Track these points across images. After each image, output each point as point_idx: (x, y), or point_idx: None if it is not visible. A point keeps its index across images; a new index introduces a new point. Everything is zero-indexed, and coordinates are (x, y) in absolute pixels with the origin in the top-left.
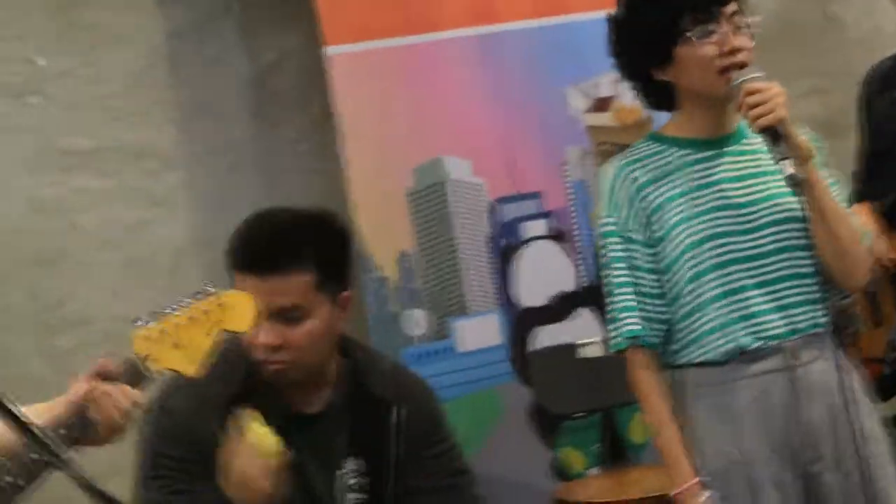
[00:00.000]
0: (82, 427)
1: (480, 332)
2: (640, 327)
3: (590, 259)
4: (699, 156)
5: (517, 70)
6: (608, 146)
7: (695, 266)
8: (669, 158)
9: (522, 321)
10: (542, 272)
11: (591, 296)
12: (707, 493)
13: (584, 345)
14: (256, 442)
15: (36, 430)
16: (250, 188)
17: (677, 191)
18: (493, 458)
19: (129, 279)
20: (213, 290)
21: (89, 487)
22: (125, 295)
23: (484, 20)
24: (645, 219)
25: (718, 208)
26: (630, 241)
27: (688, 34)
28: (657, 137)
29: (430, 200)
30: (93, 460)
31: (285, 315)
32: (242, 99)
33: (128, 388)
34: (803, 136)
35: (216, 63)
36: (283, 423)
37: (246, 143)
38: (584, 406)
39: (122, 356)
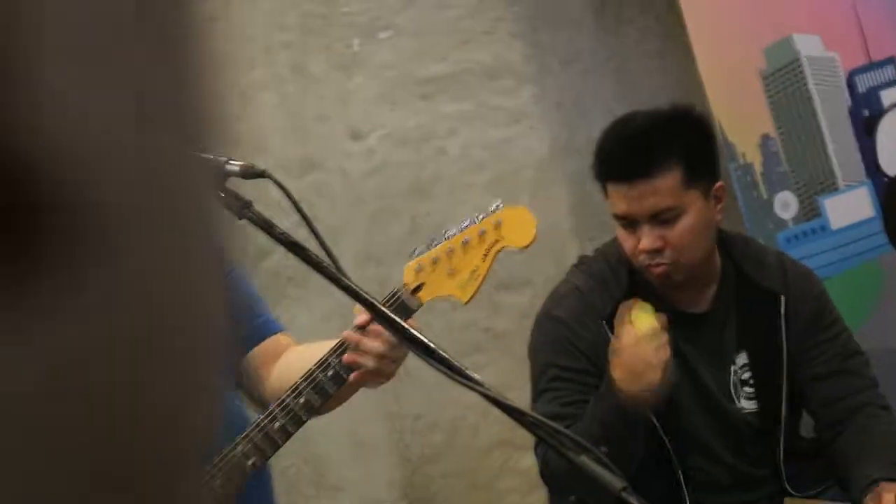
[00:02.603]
0: (347, 370)
1: (852, 206)
2: None
3: None
4: None
5: None
6: None
7: None
8: None
9: (893, 190)
10: None
11: None
12: None
13: None
14: (643, 328)
15: (442, 354)
16: (603, 93)
17: None
18: (880, 335)
19: (497, 198)
20: (492, 208)
21: (496, 401)
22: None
23: None
24: None
25: None
26: None
27: None
28: None
29: (785, 80)
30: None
31: (661, 217)
32: (585, 4)
33: (381, 330)
34: None
35: None
36: (672, 324)
37: (593, 49)
38: None
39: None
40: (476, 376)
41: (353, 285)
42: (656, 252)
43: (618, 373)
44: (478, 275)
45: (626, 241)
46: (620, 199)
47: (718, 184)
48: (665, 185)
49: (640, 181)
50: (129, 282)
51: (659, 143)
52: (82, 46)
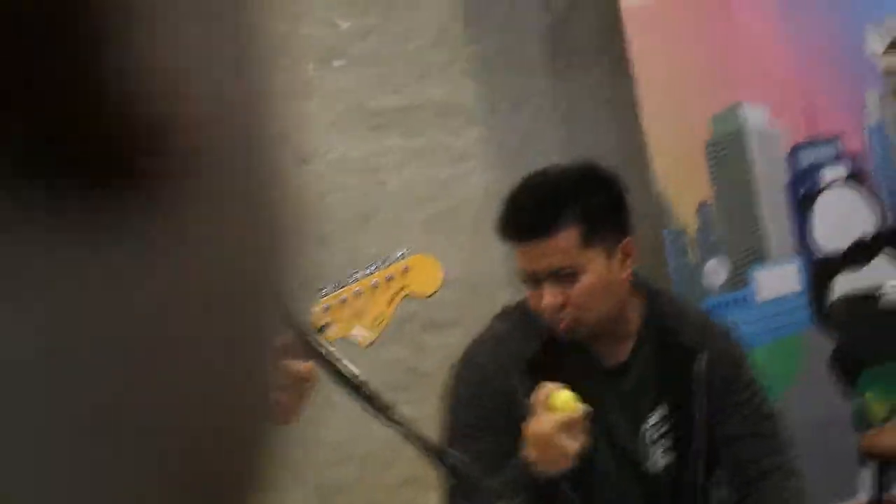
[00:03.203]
0: None
1: (780, 280)
2: None
3: (889, 202)
4: None
5: (813, 9)
6: None
7: None
8: None
9: (822, 268)
10: (842, 218)
11: (890, 240)
12: None
13: (888, 291)
14: (560, 406)
15: (365, 387)
16: (549, 140)
17: None
18: (795, 406)
19: (435, 237)
20: (399, 254)
21: (416, 437)
22: (430, 252)
23: None
24: None
25: None
26: None
27: None
28: None
29: (728, 149)
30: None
31: (559, 275)
32: (538, 50)
33: (290, 364)
34: None
35: (512, 15)
36: (587, 376)
37: (543, 95)
38: (887, 353)
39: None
40: (400, 414)
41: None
42: (558, 309)
43: (532, 452)
44: (382, 319)
45: (532, 298)
46: (521, 256)
47: (627, 239)
48: (561, 245)
49: (536, 240)
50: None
51: (556, 203)
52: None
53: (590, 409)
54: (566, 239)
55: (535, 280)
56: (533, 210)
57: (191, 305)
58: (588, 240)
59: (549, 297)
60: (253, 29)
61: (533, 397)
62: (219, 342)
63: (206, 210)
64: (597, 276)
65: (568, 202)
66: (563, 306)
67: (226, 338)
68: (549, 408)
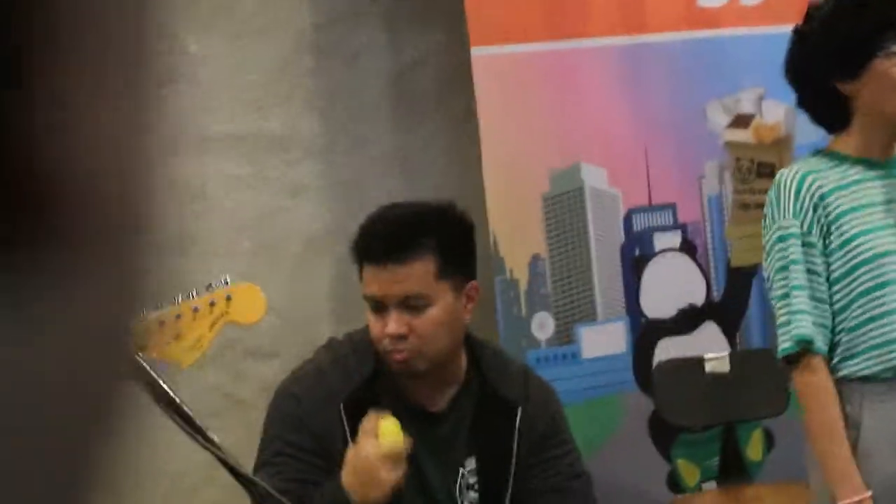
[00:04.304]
0: None
1: (606, 339)
2: (812, 331)
3: (720, 274)
4: (872, 174)
5: (660, 81)
6: (746, 163)
7: (868, 281)
8: (849, 172)
9: (648, 331)
10: (672, 284)
11: (718, 310)
12: None
13: (709, 359)
14: (385, 435)
15: (185, 409)
16: (387, 182)
17: (859, 203)
18: (609, 466)
19: (262, 267)
20: (223, 281)
21: (229, 467)
22: (254, 281)
23: (633, 30)
24: (826, 226)
25: (893, 225)
26: (810, 245)
27: (889, 49)
28: (828, 154)
29: (565, 206)
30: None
31: (409, 303)
32: (384, 93)
33: None
34: None
35: (359, 56)
36: (406, 420)
37: (385, 138)
38: (704, 420)
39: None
40: (216, 439)
41: None
42: (401, 338)
43: (349, 479)
44: (201, 343)
45: (374, 325)
46: (373, 280)
47: (473, 283)
48: (417, 272)
49: (394, 264)
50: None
51: (416, 231)
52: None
53: (411, 441)
54: (422, 267)
55: (382, 306)
56: (393, 234)
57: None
58: (442, 273)
59: (395, 324)
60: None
61: (364, 423)
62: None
63: (87, 285)
64: (445, 311)
65: (427, 232)
66: (406, 336)
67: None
68: (375, 436)
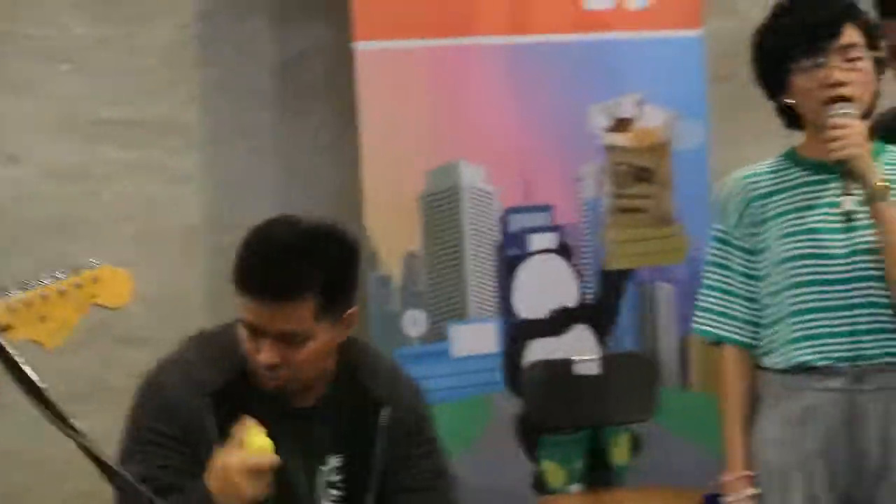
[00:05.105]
0: None
1: (477, 338)
2: (712, 327)
3: (594, 277)
4: (816, 177)
5: (543, 82)
6: (625, 167)
7: (779, 282)
8: (788, 176)
9: (519, 332)
10: (545, 285)
11: (590, 313)
12: (749, 491)
13: (579, 361)
14: (254, 446)
15: (47, 395)
16: (268, 175)
17: (785, 208)
18: (476, 465)
19: (140, 253)
20: (92, 264)
21: (91, 454)
22: (134, 269)
23: (519, 30)
24: (750, 229)
25: (811, 230)
26: (731, 246)
27: (797, 64)
28: (789, 155)
29: (442, 204)
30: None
31: (287, 339)
32: (269, 84)
33: None
34: (884, 174)
35: (246, 47)
36: (271, 415)
37: (268, 129)
38: (571, 422)
39: None
40: (78, 425)
41: None
42: (274, 367)
43: (213, 483)
44: (68, 325)
45: (248, 344)
46: (250, 311)
47: (352, 310)
48: (297, 314)
49: (274, 303)
50: None
51: (300, 271)
52: None
53: (278, 459)
54: (303, 308)
55: (258, 332)
56: (275, 271)
57: None
58: (323, 313)
59: (268, 355)
60: None
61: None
62: None
63: None
64: (322, 344)
65: (312, 271)
66: (279, 366)
67: None
68: (243, 445)
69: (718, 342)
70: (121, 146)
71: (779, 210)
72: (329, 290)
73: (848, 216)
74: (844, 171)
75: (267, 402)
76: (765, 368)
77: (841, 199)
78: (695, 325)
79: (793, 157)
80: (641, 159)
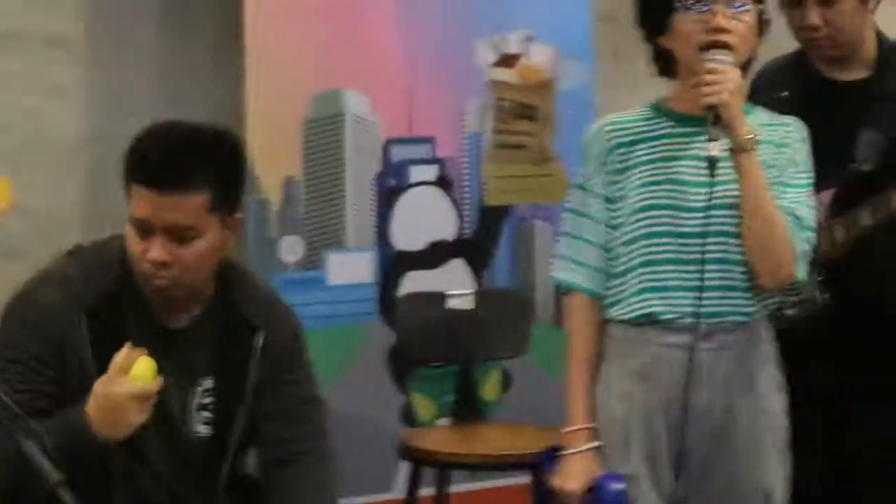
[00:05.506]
0: None
1: (353, 267)
2: (567, 274)
3: (473, 211)
4: (681, 129)
5: (433, 15)
6: (508, 103)
7: (633, 231)
8: (654, 126)
9: (396, 263)
10: (424, 218)
11: (467, 248)
12: (591, 444)
13: (453, 295)
14: (138, 374)
15: None
16: (151, 92)
17: (644, 158)
18: (346, 394)
19: (19, 165)
20: None
21: None
22: (12, 180)
23: None
24: (611, 177)
25: (672, 181)
26: (591, 193)
27: (679, 4)
28: (653, 106)
29: (324, 131)
30: None
31: (178, 233)
32: (155, 2)
33: None
34: (752, 129)
35: None
36: (146, 335)
37: (152, 46)
38: (443, 356)
39: None
40: None
41: None
42: (163, 265)
43: (95, 412)
44: None
45: (136, 246)
46: (144, 203)
47: (240, 215)
48: (192, 204)
49: (169, 192)
50: None
51: (196, 162)
52: None
53: (162, 383)
54: (197, 199)
55: (148, 229)
56: (173, 161)
57: None
58: (214, 207)
59: (159, 251)
60: None
61: (120, 354)
62: None
63: None
64: (210, 244)
65: (207, 162)
66: (169, 264)
67: None
68: (126, 372)
69: (568, 290)
70: (4, 57)
71: (641, 159)
72: (221, 187)
73: (712, 162)
74: (713, 118)
75: (143, 321)
76: (610, 320)
77: (706, 144)
78: (555, 272)
79: (659, 108)
80: (526, 96)
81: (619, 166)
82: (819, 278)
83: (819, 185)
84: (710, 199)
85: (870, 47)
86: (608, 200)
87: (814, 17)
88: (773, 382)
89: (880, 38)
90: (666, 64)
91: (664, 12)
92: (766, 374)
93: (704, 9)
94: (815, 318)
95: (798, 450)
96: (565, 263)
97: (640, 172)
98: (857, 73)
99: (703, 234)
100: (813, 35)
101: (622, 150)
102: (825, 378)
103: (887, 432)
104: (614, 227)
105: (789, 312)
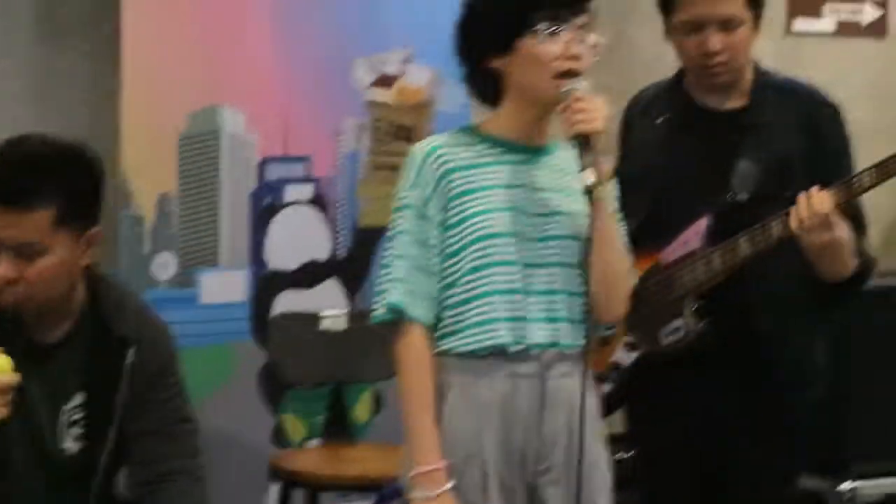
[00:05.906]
0: None
1: (226, 286)
2: (404, 300)
3: (348, 231)
4: (511, 157)
5: (309, 32)
6: (385, 123)
7: (477, 259)
8: (483, 152)
9: (269, 283)
10: (298, 237)
11: (342, 268)
12: (451, 483)
13: (326, 316)
14: None
15: None
16: (20, 105)
17: (482, 184)
18: (217, 414)
19: None
20: None
21: None
22: None
23: None
24: (445, 202)
25: (514, 209)
26: (424, 217)
27: (537, 28)
28: (471, 131)
29: (200, 148)
30: None
31: (22, 250)
32: (27, 13)
33: None
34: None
35: None
36: (14, 350)
37: (26, 57)
38: (315, 377)
39: None
40: None
41: None
42: (9, 282)
43: None
44: None
45: None
46: None
47: (96, 230)
48: (34, 221)
49: (11, 210)
50: None
51: (39, 178)
52: None
53: (19, 379)
54: (40, 216)
55: None
56: (13, 178)
57: None
58: (62, 222)
59: (5, 268)
60: None
61: None
62: None
63: None
64: (59, 259)
65: (51, 178)
66: (14, 280)
67: None
68: None
69: (398, 321)
70: None
71: (476, 185)
72: (68, 204)
73: (590, 191)
74: (585, 146)
75: (12, 337)
76: (446, 352)
77: (584, 173)
78: (390, 298)
79: (476, 134)
80: (402, 117)
81: (457, 191)
82: (693, 307)
83: (695, 214)
84: (551, 231)
85: (747, 77)
86: (443, 226)
87: (715, 42)
88: (596, 411)
89: (756, 67)
90: (489, 88)
91: (511, 33)
92: (595, 400)
93: (558, 32)
94: (690, 346)
95: (667, 467)
96: (404, 291)
97: (479, 199)
98: (733, 102)
99: (548, 265)
100: (711, 61)
101: (456, 174)
102: (698, 398)
103: (754, 454)
104: (448, 257)
105: (667, 340)
